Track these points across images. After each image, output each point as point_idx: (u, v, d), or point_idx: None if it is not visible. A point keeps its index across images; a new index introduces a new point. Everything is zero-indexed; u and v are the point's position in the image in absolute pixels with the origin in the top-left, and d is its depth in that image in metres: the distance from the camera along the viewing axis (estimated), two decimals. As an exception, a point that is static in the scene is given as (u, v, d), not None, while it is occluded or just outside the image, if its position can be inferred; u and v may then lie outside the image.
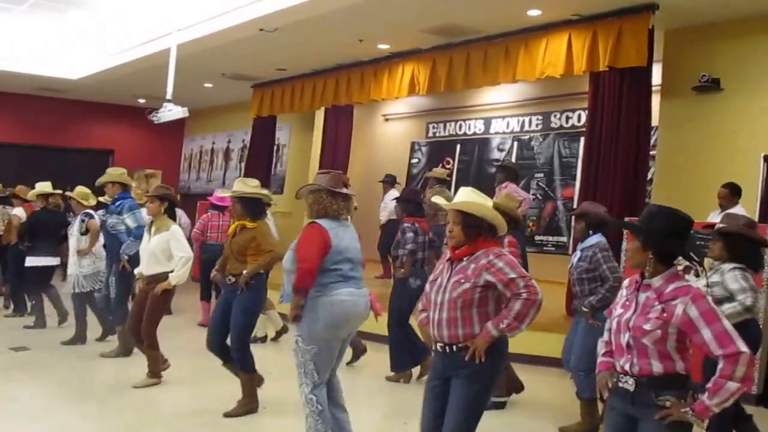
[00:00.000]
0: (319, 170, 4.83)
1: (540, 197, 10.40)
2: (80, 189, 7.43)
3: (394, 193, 9.85)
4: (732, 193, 6.76)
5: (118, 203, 6.70)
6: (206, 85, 12.40)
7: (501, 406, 5.39)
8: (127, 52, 10.52)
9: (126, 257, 6.51)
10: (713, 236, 4.31)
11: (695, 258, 2.78)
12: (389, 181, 10.27)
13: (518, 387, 5.60)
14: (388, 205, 9.65)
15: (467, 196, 3.30)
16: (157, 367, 5.82)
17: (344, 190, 4.14)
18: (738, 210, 6.72)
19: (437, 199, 3.62)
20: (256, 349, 5.30)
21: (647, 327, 2.68)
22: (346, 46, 9.35)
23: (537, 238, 10.31)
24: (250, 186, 5.15)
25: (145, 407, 5.36)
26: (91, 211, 7.23)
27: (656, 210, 2.84)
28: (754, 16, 7.21)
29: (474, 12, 7.73)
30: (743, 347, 2.55)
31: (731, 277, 4.13)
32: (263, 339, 7.64)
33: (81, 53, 11.44)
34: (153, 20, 9.50)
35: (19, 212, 8.47)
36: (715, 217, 6.73)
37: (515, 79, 8.41)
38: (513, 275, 3.18)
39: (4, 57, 11.35)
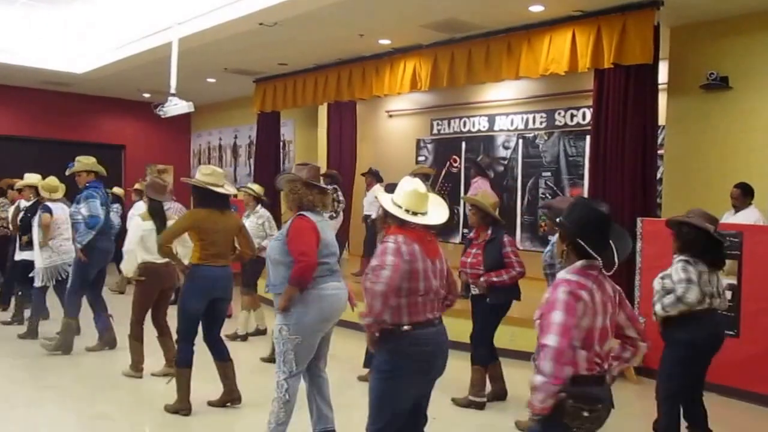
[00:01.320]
0: (298, 162, 4.84)
1: (549, 196, 10.23)
2: (48, 181, 7.51)
3: (379, 188, 9.72)
4: (744, 193, 6.68)
5: (82, 192, 6.74)
6: (209, 80, 12.30)
7: (480, 406, 5.42)
8: (129, 45, 10.42)
9: (80, 246, 6.60)
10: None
11: (594, 254, 2.68)
12: (374, 174, 10.16)
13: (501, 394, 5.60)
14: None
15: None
16: (138, 359, 6.06)
17: (320, 184, 4.24)
18: (751, 210, 6.62)
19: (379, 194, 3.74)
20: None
21: (534, 318, 2.70)
22: (346, 41, 9.21)
23: (550, 238, 10.11)
24: (202, 173, 5.11)
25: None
26: (48, 204, 7.28)
27: (574, 202, 2.86)
28: (761, 11, 7.01)
29: (474, 7, 7.56)
30: (550, 341, 2.54)
31: (674, 269, 4.18)
32: (244, 337, 7.72)
33: (84, 47, 11.38)
34: (153, 13, 9.41)
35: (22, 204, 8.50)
36: (729, 218, 6.63)
37: (518, 75, 8.23)
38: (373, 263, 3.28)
39: (8, 50, 11.31)
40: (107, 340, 6.94)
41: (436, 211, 3.45)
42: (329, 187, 4.45)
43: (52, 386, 5.88)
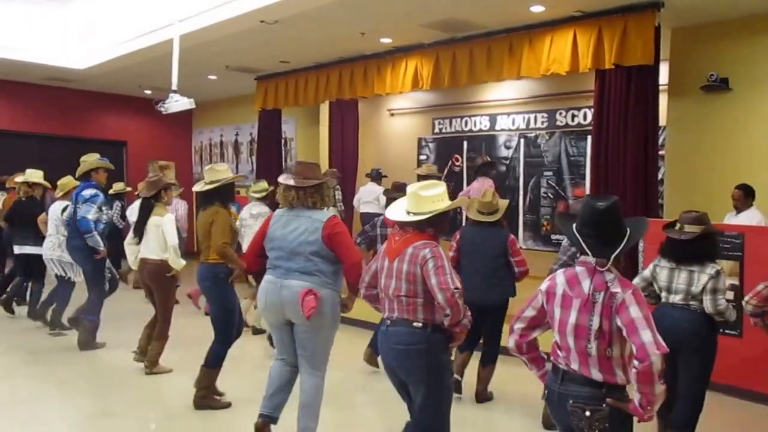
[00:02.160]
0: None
1: (551, 196, 10.23)
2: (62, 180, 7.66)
3: (371, 186, 10.43)
4: (745, 194, 6.71)
5: None
6: (210, 77, 12.30)
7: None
8: (131, 42, 10.40)
9: None
10: None
11: (586, 250, 2.75)
12: (374, 176, 10.57)
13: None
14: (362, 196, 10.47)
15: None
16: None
17: (284, 181, 4.22)
18: (753, 212, 6.64)
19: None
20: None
21: None
22: (348, 40, 9.20)
23: (553, 237, 10.17)
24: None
25: (167, 397, 5.53)
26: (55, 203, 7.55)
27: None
28: (762, 14, 7.02)
29: (475, 7, 7.55)
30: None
31: None
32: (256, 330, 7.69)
33: (86, 43, 11.38)
34: (155, 10, 9.43)
35: None
36: (731, 219, 6.64)
37: (520, 75, 8.22)
38: None
39: (11, 46, 11.30)
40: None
41: (417, 212, 3.44)
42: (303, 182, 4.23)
43: (59, 382, 5.92)
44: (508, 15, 7.71)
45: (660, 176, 7.86)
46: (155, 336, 5.97)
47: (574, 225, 2.80)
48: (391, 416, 4.96)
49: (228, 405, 5.19)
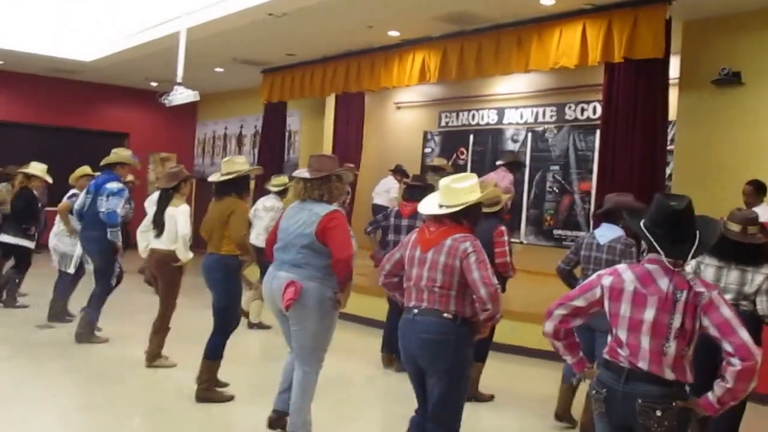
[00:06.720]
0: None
1: (557, 191, 10.21)
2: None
3: (389, 179, 10.28)
4: (756, 190, 6.64)
5: None
6: (217, 69, 12.31)
7: None
8: (138, 35, 10.45)
9: None
10: None
11: (657, 248, 2.68)
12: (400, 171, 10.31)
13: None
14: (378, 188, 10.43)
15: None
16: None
17: (298, 174, 4.27)
18: (763, 208, 6.56)
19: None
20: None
21: None
22: (356, 33, 9.21)
23: (555, 232, 10.14)
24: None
25: (169, 390, 5.39)
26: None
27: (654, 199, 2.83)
28: (776, 8, 6.98)
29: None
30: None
31: None
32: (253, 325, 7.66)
33: (93, 35, 11.39)
34: (164, 3, 9.43)
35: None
36: None
37: (528, 68, 8.21)
38: None
39: (17, 37, 11.32)
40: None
41: (451, 204, 3.45)
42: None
43: (39, 375, 5.68)
44: (517, 8, 7.71)
45: (668, 172, 7.84)
46: (155, 329, 5.87)
47: (642, 222, 2.73)
48: (392, 413, 4.98)
49: (231, 398, 5.11)
